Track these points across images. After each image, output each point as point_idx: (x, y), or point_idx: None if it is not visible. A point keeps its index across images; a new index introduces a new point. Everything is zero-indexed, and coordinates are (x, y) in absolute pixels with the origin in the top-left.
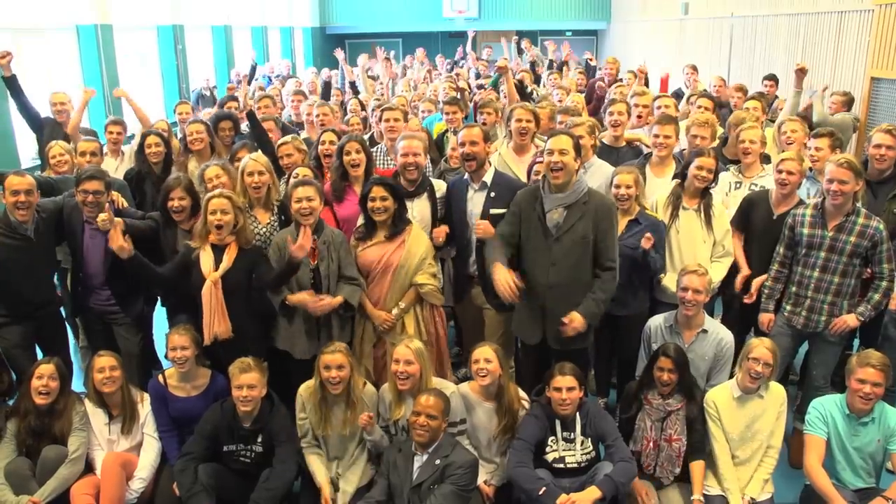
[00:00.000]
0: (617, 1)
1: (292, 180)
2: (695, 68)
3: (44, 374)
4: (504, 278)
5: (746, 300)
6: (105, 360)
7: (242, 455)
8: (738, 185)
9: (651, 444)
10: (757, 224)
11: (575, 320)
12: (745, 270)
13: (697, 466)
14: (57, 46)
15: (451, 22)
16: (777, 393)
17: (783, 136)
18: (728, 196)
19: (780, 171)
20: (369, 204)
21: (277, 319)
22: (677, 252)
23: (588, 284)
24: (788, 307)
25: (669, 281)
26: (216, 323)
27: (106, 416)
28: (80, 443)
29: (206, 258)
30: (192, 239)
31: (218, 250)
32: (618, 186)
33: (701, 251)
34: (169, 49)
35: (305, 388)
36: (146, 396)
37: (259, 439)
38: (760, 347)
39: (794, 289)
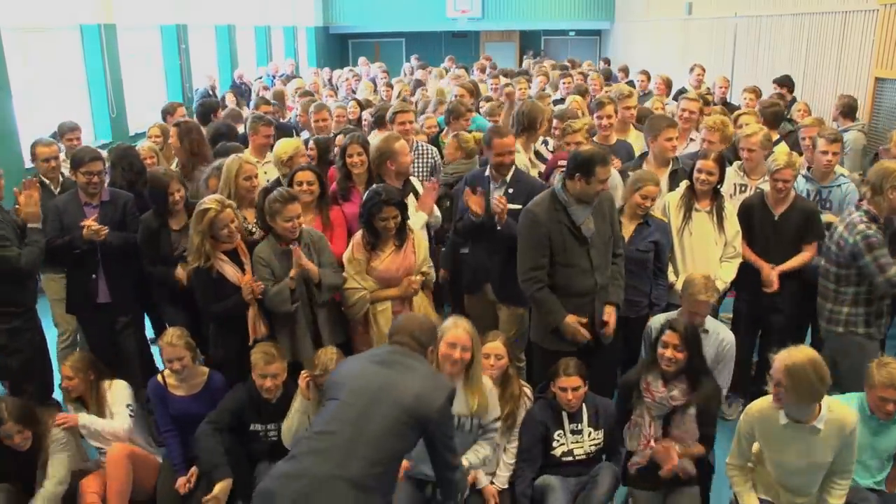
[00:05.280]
0: (620, 1)
1: (279, 194)
2: (703, 68)
3: (11, 432)
4: (575, 327)
5: (767, 290)
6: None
7: (271, 435)
8: (742, 189)
9: (651, 444)
10: (758, 227)
11: (612, 316)
12: (767, 268)
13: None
14: (61, 46)
15: (455, 22)
16: (842, 421)
17: (803, 142)
18: (733, 199)
19: (776, 180)
20: (381, 223)
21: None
22: (690, 254)
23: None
24: (873, 327)
25: (682, 284)
26: (260, 325)
27: (85, 412)
28: (60, 466)
29: (229, 268)
30: (192, 258)
31: (230, 255)
32: (645, 197)
33: (713, 252)
34: (172, 49)
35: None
36: (114, 383)
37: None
38: (775, 363)
39: (874, 305)
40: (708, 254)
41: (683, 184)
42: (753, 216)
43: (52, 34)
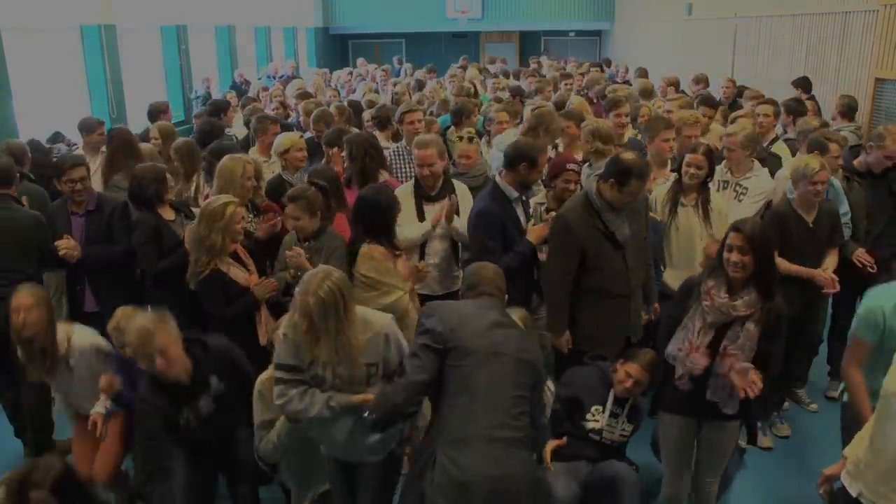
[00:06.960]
0: (620, 1)
1: (288, 194)
2: (707, 82)
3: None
4: (562, 346)
5: (830, 291)
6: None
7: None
8: (724, 185)
9: (693, 350)
10: (796, 236)
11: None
12: (819, 272)
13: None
14: (61, 46)
15: (455, 22)
16: None
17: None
18: (717, 195)
19: (813, 183)
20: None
21: None
22: (676, 248)
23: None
24: None
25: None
26: (272, 325)
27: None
28: None
29: (236, 271)
30: (204, 259)
31: (233, 258)
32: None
33: (698, 247)
34: (172, 49)
35: (262, 383)
36: (73, 330)
37: (206, 394)
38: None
39: None
40: (692, 249)
41: (672, 176)
42: (789, 226)
43: (52, 34)
